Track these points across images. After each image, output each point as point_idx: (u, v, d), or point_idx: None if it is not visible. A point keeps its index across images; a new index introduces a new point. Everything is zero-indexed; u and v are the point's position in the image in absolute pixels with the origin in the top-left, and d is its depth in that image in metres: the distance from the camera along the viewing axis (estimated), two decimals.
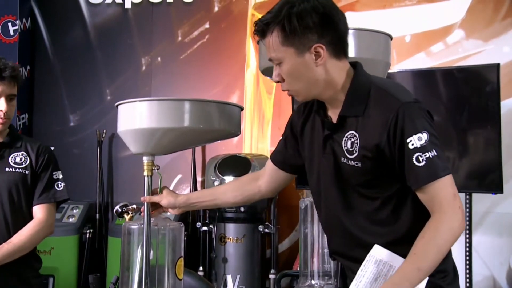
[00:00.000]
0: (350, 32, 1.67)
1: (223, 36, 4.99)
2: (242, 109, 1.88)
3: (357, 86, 1.78)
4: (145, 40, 5.17)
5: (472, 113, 3.47)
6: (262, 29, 1.77)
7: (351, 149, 1.76)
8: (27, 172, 2.52)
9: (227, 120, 1.81)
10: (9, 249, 2.42)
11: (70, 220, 4.63)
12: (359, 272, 1.78)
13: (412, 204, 1.74)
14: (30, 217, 2.53)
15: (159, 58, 5.14)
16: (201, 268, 4.25)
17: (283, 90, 1.81)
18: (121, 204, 2.19)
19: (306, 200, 2.16)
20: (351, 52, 1.72)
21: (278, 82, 1.80)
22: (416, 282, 1.67)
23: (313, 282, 2.12)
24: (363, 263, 1.78)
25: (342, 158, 1.78)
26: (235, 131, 1.85)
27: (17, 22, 5.01)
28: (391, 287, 1.66)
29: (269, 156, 2.67)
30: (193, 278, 3.14)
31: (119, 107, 1.83)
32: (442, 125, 3.67)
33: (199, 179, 4.86)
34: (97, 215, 4.91)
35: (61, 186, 2.64)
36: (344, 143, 1.77)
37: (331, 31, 1.75)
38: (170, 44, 5.12)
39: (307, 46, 1.73)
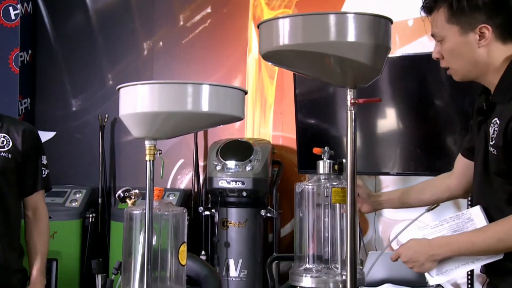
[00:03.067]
0: (349, 16, 1.66)
1: (225, 21, 4.97)
2: (246, 93, 1.86)
3: (510, 72, 1.74)
4: (147, 24, 5.15)
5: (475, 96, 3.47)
6: (429, 6, 1.79)
7: (492, 136, 1.74)
8: (9, 156, 2.36)
9: (231, 104, 1.80)
10: (44, 263, 2.42)
11: (73, 204, 4.64)
12: (447, 217, 1.82)
13: None
14: (13, 204, 2.41)
15: (161, 43, 5.13)
16: (203, 252, 4.26)
17: (442, 67, 1.81)
18: (124, 189, 2.18)
19: (302, 184, 2.16)
20: (350, 37, 1.71)
21: (437, 59, 1.80)
22: (465, 252, 1.72)
23: (308, 265, 2.13)
24: (458, 213, 1.81)
25: (488, 144, 1.76)
26: (239, 115, 1.84)
27: (18, 6, 4.99)
28: (442, 242, 1.75)
29: (271, 140, 2.60)
30: (196, 262, 3.15)
31: (120, 90, 1.82)
32: (445, 109, 3.66)
33: (201, 163, 4.86)
34: (100, 199, 4.92)
35: (45, 173, 2.50)
36: (490, 129, 1.75)
37: (503, 13, 1.72)
38: (172, 28, 5.10)
39: (472, 26, 1.72)
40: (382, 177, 4.38)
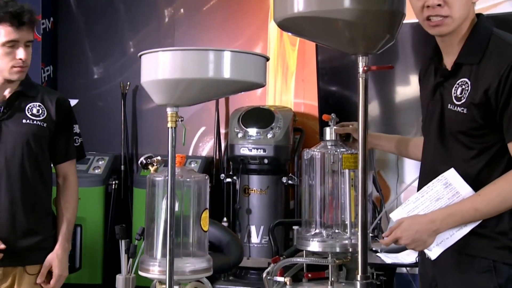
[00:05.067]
0: None
1: None
2: (268, 59, 1.85)
3: (476, 35, 1.79)
4: None
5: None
6: None
7: (459, 96, 1.77)
8: (44, 125, 2.40)
9: (253, 71, 1.80)
10: (70, 230, 2.47)
11: (96, 171, 4.69)
12: (425, 188, 1.82)
13: (508, 164, 1.74)
14: (46, 170, 2.47)
15: (182, 10, 5.10)
16: (225, 219, 4.29)
17: (434, 16, 1.78)
18: (146, 155, 2.20)
19: (310, 151, 2.17)
20: (365, 3, 1.71)
21: (438, 5, 1.77)
22: (469, 220, 1.74)
23: (317, 230, 2.17)
24: (433, 180, 1.80)
25: (449, 105, 1.80)
26: (260, 82, 1.83)
27: None
28: (443, 214, 1.75)
29: (292, 108, 2.52)
30: (218, 228, 3.18)
31: (142, 57, 1.83)
32: None
33: (222, 131, 4.87)
34: (122, 166, 4.96)
35: (78, 142, 2.57)
36: (455, 89, 1.79)
37: None
38: None
39: None
40: None
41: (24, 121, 2.39)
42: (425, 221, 1.76)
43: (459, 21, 1.79)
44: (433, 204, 1.79)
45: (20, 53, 2.34)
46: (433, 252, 1.78)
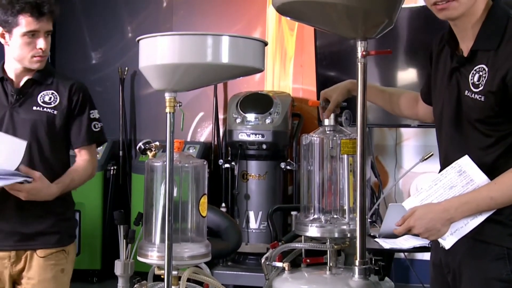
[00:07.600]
0: None
1: None
2: (266, 44, 1.85)
3: (493, 19, 1.73)
4: None
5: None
6: None
7: (477, 83, 1.73)
8: (55, 112, 2.43)
9: (251, 56, 1.79)
10: (68, 184, 2.44)
11: None
12: (438, 176, 1.79)
13: None
14: (57, 157, 2.48)
15: None
16: (223, 205, 4.30)
17: (440, 0, 1.74)
18: (144, 141, 2.19)
19: (309, 136, 2.17)
20: None
21: None
22: (485, 209, 1.71)
23: (315, 216, 2.17)
24: (447, 168, 1.77)
25: (466, 91, 1.75)
26: (259, 67, 1.82)
27: None
28: (458, 203, 1.72)
29: (291, 93, 2.48)
30: (216, 214, 3.18)
31: (140, 42, 1.81)
32: None
33: (221, 116, 4.86)
34: (121, 152, 4.96)
35: (98, 127, 2.55)
36: (472, 76, 1.74)
37: None
38: None
39: None
40: (403, 129, 4.36)
41: (34, 108, 2.43)
42: (439, 210, 1.73)
43: (467, 4, 1.73)
44: (446, 192, 1.76)
45: (40, 43, 2.39)
46: (447, 242, 1.75)
